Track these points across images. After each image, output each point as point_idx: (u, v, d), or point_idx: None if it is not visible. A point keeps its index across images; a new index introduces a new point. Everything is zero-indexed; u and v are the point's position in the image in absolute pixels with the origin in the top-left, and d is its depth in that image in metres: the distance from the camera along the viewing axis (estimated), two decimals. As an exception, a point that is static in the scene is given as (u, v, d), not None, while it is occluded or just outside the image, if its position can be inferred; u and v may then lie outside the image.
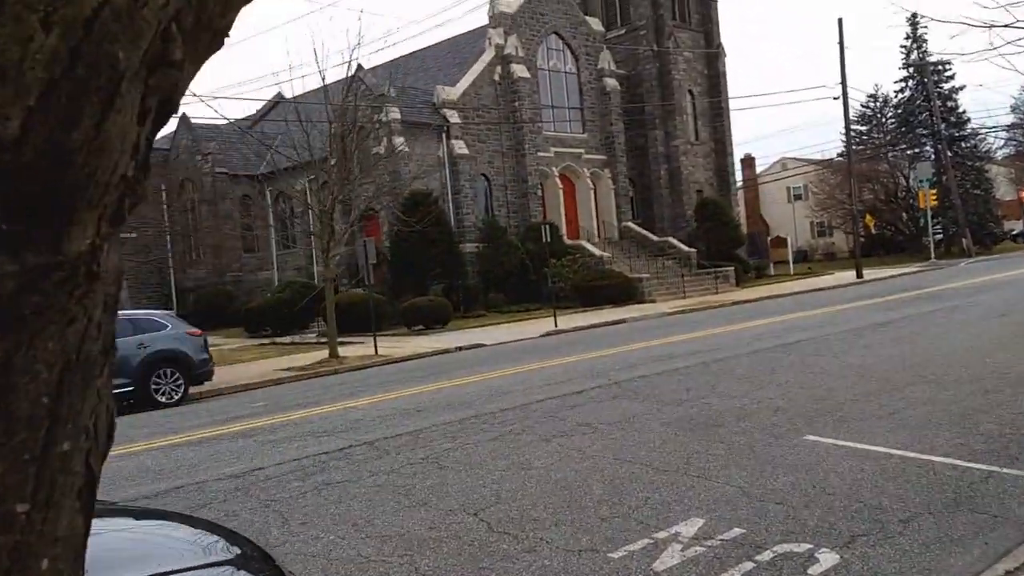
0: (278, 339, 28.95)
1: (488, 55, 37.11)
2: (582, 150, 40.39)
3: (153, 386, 15.71)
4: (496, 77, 37.13)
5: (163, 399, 15.77)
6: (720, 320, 22.64)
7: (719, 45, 46.26)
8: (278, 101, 43.07)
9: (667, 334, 19.85)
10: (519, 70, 37.27)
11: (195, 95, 21.07)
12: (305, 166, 30.95)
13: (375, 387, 15.10)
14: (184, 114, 40.49)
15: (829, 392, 10.63)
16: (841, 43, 39.22)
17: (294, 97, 25.83)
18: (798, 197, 63.13)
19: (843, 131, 47.55)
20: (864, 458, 7.59)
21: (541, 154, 38.18)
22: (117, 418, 1.03)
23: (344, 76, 22.61)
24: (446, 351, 21.98)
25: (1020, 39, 10.57)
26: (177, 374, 16.02)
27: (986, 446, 7.75)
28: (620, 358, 15.62)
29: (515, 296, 32.75)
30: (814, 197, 60.24)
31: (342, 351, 23.19)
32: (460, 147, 35.20)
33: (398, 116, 33.43)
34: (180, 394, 16.03)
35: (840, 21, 39.64)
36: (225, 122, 32.58)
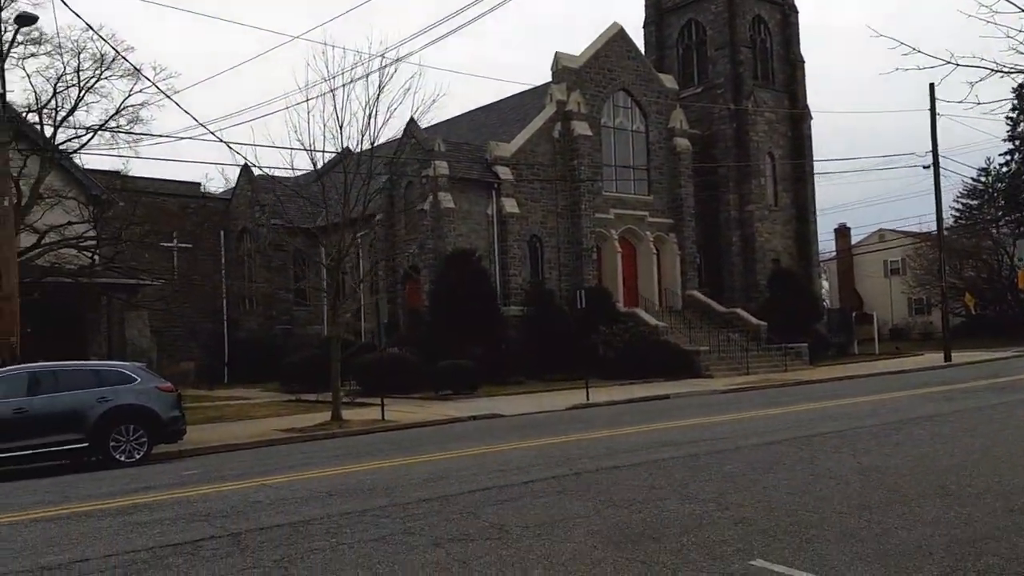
0: (305, 396, 27.90)
1: (548, 111, 35.86)
2: (646, 213, 38.48)
3: (112, 443, 14.56)
4: (555, 134, 35.80)
5: (122, 457, 14.59)
6: (764, 402, 20.34)
7: (805, 107, 43.97)
8: (345, 154, 42.96)
9: (695, 415, 17.77)
10: (580, 127, 35.88)
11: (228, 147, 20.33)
12: (357, 221, 30.36)
13: (341, 457, 13.59)
14: (246, 164, 40.81)
15: (819, 502, 8.59)
16: (933, 110, 36.50)
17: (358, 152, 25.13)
18: (895, 272, 59.33)
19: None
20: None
21: (600, 216, 36.46)
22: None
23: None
24: (457, 420, 20.43)
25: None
26: (140, 431, 14.86)
27: None
28: (613, 442, 13.70)
29: (559, 364, 30.80)
30: (912, 272, 56.50)
31: (360, 413, 21.96)
32: (511, 205, 33.87)
33: (446, 171, 32.44)
34: (142, 453, 14.84)
35: (932, 87, 37.01)
36: (285, 174, 32.30)
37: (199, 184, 44.87)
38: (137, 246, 23.10)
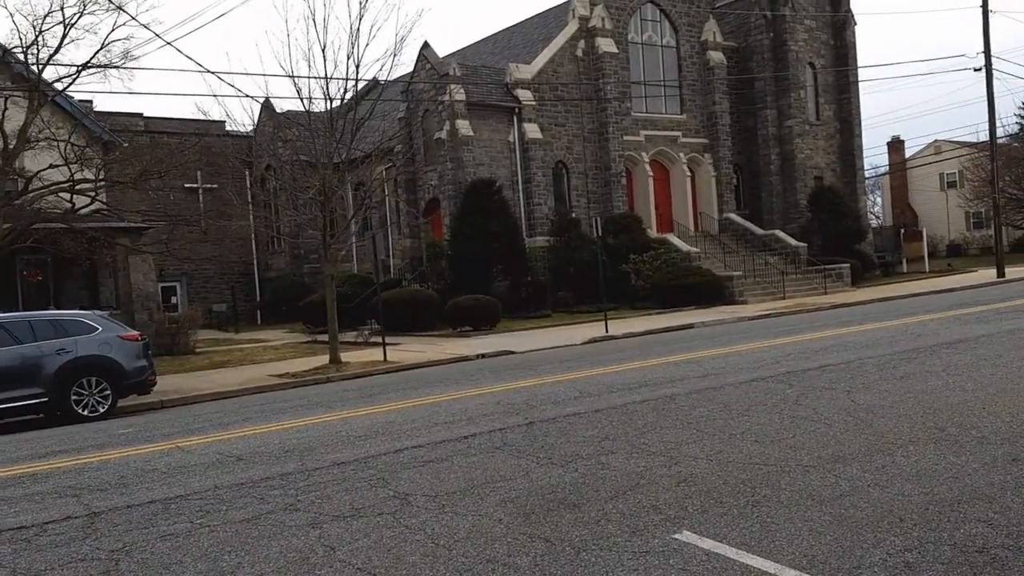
0: (321, 337, 27.24)
1: (570, 29, 33.78)
2: (679, 133, 36.45)
3: (74, 397, 13.89)
4: (579, 53, 33.79)
5: (85, 412, 13.91)
6: (784, 330, 18.86)
7: (847, 11, 40.95)
8: (373, 86, 41.50)
9: (704, 347, 16.46)
10: (605, 44, 33.80)
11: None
12: (380, 154, 29.21)
13: (300, 409, 12.71)
14: (267, 99, 39.74)
15: (787, 452, 7.38)
16: (985, 7, 33.55)
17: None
18: (952, 185, 56.16)
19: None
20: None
21: (628, 138, 34.59)
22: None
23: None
24: (465, 358, 19.44)
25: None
26: (103, 384, 14.18)
27: (944, 572, 4.57)
28: (593, 382, 12.51)
29: (588, 295, 29.52)
30: (969, 185, 53.42)
31: (368, 354, 21.18)
32: (533, 131, 32.21)
33: (462, 97, 30.87)
34: (106, 407, 14.17)
35: (986, -22, 33.94)
36: (307, 109, 31.23)
37: (223, 123, 43.98)
38: (132, 187, 22.31)
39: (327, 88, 19.08)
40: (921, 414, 8.45)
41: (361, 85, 25.25)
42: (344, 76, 19.25)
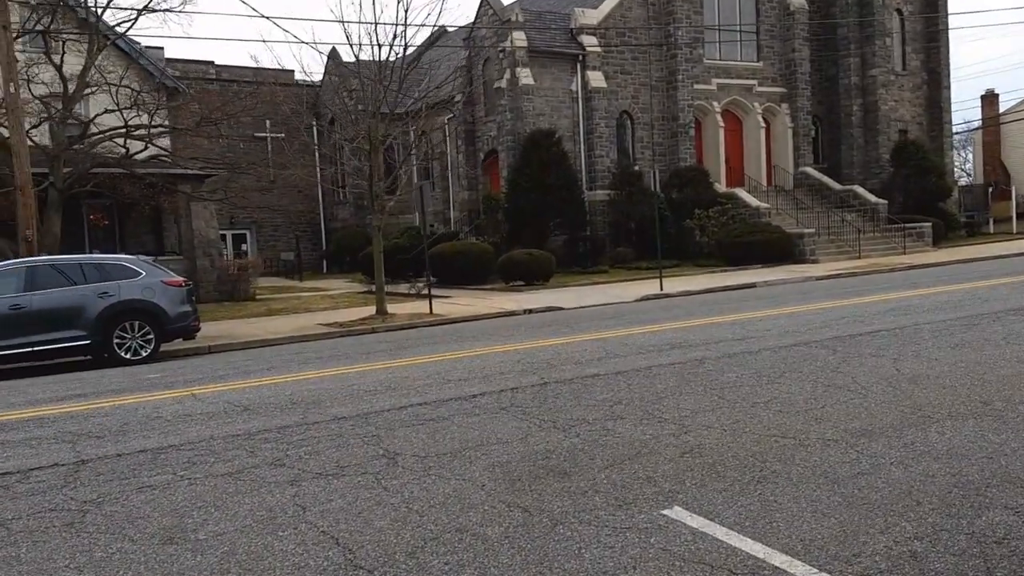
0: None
1: (641, -29, 32.55)
2: (754, 81, 34.86)
3: (117, 340, 14.05)
4: (649, -4, 32.53)
5: (128, 355, 14.09)
6: (848, 292, 17.93)
7: (940, -46, 38.43)
8: (441, 33, 41.03)
9: (757, 308, 15.75)
10: (677, -14, 32.42)
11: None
12: (438, 104, 28.89)
13: (328, 359, 12.57)
14: (334, 48, 39.49)
15: (811, 424, 6.83)
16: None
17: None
18: (1050, 141, 52.83)
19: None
20: (711, 571, 4.21)
21: (699, 87, 33.23)
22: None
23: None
24: (511, 313, 19.10)
25: None
26: (146, 328, 14.28)
27: (954, 565, 4.07)
28: (627, 341, 11.98)
29: (648, 251, 28.66)
30: (1070, 141, 50.12)
31: (417, 306, 21.03)
32: (597, 79, 31.18)
33: (524, 43, 30.03)
34: (149, 350, 14.29)
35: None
36: (371, 58, 31.02)
37: (292, 72, 44.06)
38: (191, 134, 22.46)
39: (375, 33, 18.67)
40: (968, 386, 7.75)
41: (421, 33, 24.91)
42: (393, 21, 18.73)
